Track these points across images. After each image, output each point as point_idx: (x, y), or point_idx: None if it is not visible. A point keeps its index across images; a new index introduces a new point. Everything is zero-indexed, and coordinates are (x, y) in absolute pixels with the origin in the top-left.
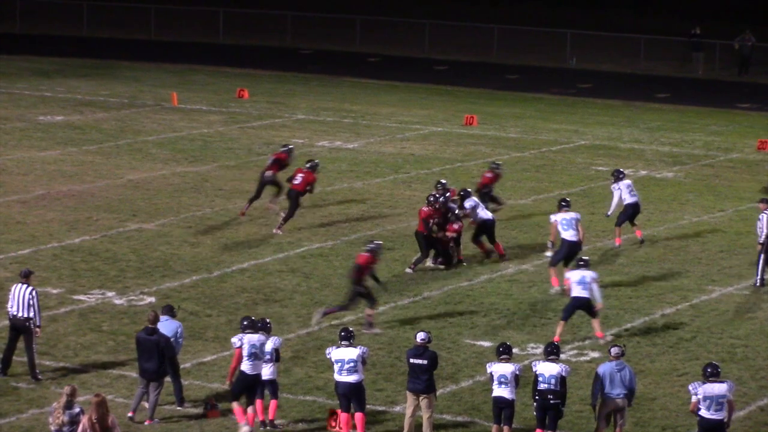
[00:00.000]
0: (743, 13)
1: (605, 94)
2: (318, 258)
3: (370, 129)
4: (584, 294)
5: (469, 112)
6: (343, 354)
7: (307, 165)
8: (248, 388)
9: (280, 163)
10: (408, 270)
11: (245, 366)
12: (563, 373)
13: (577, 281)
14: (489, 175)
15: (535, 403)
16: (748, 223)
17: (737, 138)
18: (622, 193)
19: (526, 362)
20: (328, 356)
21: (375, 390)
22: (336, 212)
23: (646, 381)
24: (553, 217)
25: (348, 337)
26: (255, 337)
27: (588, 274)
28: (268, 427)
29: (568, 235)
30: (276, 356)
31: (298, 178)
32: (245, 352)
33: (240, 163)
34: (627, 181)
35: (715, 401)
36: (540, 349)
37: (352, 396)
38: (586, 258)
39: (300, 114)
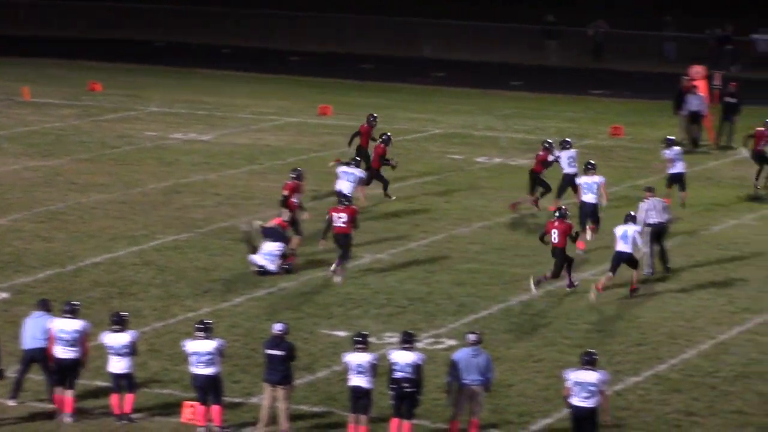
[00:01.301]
0: (596, 1)
1: (459, 82)
2: (172, 251)
3: (224, 121)
4: (626, 249)
5: (323, 102)
6: (199, 346)
7: (380, 138)
8: (60, 372)
9: (368, 134)
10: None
11: (55, 350)
12: (419, 362)
13: (621, 236)
14: (541, 153)
15: (391, 392)
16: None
17: (591, 124)
18: (562, 161)
19: (383, 351)
20: (184, 349)
21: (232, 382)
22: (191, 204)
23: (503, 368)
24: (578, 180)
25: (204, 329)
26: (67, 324)
27: (631, 229)
28: (123, 421)
29: (588, 198)
30: (133, 350)
31: (372, 155)
32: (55, 336)
33: (93, 156)
34: (570, 152)
35: (584, 389)
36: (396, 338)
37: (208, 388)
38: (633, 213)
39: (154, 106)
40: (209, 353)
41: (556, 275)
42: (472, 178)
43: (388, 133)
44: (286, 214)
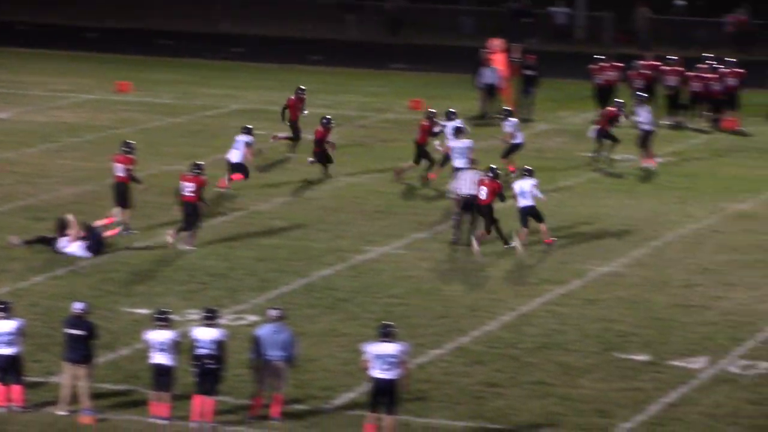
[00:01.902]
0: None
1: (258, 58)
2: None
3: (20, 98)
4: (528, 202)
5: (122, 78)
6: None
7: (320, 122)
8: None
9: (296, 107)
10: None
11: None
12: (221, 338)
13: (519, 192)
14: (425, 123)
15: (193, 369)
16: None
17: (391, 98)
18: (447, 131)
19: (185, 328)
20: None
21: (32, 361)
22: None
23: (306, 343)
24: (450, 143)
25: (3, 309)
26: None
27: (527, 183)
28: None
29: (458, 162)
30: None
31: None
32: None
33: None
34: (454, 123)
35: (384, 360)
36: (198, 315)
37: (8, 368)
38: (530, 168)
39: None
40: (9, 333)
41: (489, 230)
42: (273, 154)
43: (329, 117)
44: (118, 214)
